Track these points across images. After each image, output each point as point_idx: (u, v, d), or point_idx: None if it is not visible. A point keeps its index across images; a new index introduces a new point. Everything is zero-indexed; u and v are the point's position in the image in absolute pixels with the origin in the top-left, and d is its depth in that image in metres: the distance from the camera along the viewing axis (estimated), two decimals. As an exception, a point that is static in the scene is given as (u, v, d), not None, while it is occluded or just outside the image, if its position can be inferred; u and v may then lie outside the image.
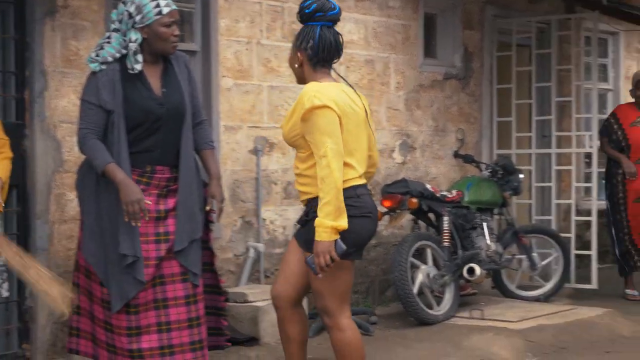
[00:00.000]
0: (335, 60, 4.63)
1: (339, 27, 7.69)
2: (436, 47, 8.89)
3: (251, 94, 7.10)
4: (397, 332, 7.00)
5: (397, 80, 8.26)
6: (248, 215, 7.09)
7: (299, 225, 4.74)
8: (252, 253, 7.01)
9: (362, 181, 4.57)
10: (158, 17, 4.74)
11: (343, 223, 4.33)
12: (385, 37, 8.15)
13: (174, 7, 4.82)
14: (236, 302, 6.47)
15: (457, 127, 8.86)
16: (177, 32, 4.82)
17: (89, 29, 5.99)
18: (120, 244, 4.69)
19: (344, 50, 7.66)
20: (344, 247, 4.35)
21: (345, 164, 4.44)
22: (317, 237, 4.32)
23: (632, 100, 9.00)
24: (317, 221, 4.33)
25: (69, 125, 5.82)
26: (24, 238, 5.71)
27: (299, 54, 4.57)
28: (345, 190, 4.41)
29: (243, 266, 7.00)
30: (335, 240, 4.34)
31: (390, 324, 7.31)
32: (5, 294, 4.93)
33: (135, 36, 4.74)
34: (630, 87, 11.49)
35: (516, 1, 9.50)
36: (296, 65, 4.60)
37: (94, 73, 4.77)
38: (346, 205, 4.39)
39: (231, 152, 6.96)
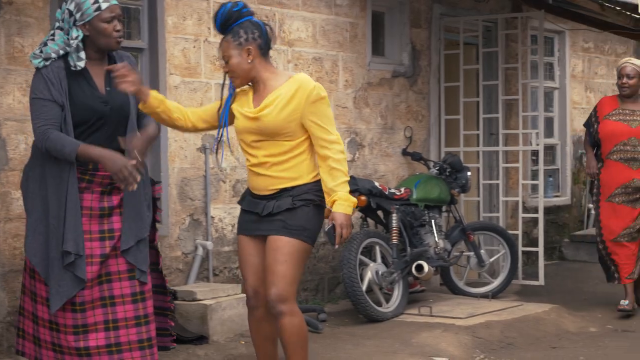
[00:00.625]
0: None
1: (286, 25, 7.73)
2: (384, 45, 8.92)
3: (199, 92, 7.07)
4: (346, 330, 7.02)
5: (346, 78, 8.28)
6: (196, 214, 7.05)
7: (253, 219, 4.72)
8: (200, 251, 6.98)
9: None
10: (97, 12, 4.70)
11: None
12: (333, 35, 8.16)
13: (113, 2, 4.77)
14: (185, 300, 6.43)
15: (406, 125, 8.90)
16: (118, 27, 4.77)
17: (33, 26, 5.92)
18: (64, 242, 4.64)
19: (292, 48, 7.75)
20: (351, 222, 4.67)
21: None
22: (344, 210, 4.53)
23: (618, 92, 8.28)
24: (343, 195, 4.54)
25: (14, 123, 5.74)
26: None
27: (249, 48, 4.58)
28: (315, 181, 4.65)
29: (191, 264, 6.96)
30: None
31: (339, 321, 7.32)
32: None
33: (76, 33, 4.70)
34: (575, 85, 11.68)
35: (463, 0, 9.56)
36: (249, 62, 4.58)
37: (38, 70, 4.72)
38: (320, 196, 4.62)
39: (179, 150, 6.92)
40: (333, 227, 4.55)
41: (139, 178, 4.66)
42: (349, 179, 4.61)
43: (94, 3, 4.70)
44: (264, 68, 4.62)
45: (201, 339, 6.27)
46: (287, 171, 4.60)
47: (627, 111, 8.03)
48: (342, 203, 4.54)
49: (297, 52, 7.80)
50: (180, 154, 6.91)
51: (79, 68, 4.71)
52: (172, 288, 6.52)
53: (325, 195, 4.62)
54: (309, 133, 4.62)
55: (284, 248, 4.57)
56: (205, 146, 7.05)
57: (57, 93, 4.68)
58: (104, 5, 4.71)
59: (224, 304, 6.41)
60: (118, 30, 4.77)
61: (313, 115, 4.55)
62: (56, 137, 4.65)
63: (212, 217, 7.15)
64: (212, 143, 7.11)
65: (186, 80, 6.97)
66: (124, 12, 6.71)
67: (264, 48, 4.62)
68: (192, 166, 7.02)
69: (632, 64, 8.09)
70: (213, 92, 7.14)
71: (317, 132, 4.57)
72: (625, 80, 8.08)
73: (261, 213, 4.66)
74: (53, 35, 4.76)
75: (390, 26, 8.92)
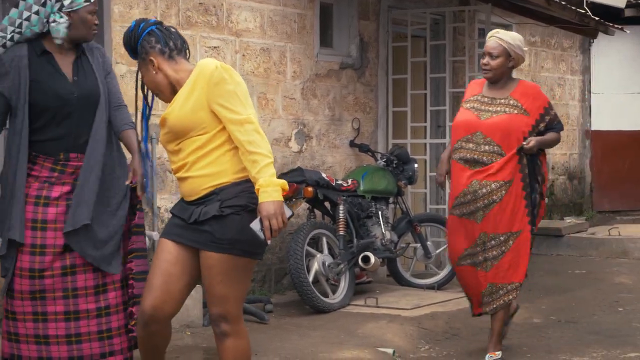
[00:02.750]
0: (186, 48, 4.35)
1: (234, 15, 7.70)
2: (332, 37, 8.93)
3: (146, 81, 7.01)
4: (292, 320, 7.02)
5: (294, 69, 8.27)
6: (142, 204, 6.99)
7: (176, 227, 4.26)
8: (147, 242, 6.91)
9: None
10: (86, 4, 4.76)
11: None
12: (282, 25, 8.15)
13: None
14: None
15: (353, 116, 8.92)
16: (97, 21, 4.87)
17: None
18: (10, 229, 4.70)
19: (240, 39, 7.72)
20: (291, 211, 4.11)
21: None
22: (269, 198, 3.95)
23: None
24: (265, 182, 3.97)
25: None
26: None
27: (151, 59, 4.24)
28: (248, 181, 4.13)
29: (137, 255, 6.91)
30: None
31: (286, 312, 7.32)
32: None
33: (64, 20, 4.72)
34: (522, 78, 11.77)
35: (411, -8, 9.61)
36: (154, 72, 4.25)
37: None
38: (256, 199, 4.06)
39: (125, 139, 6.86)
40: (260, 220, 3.98)
41: None
42: (271, 160, 4.04)
43: None
44: (172, 70, 4.25)
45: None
46: (208, 167, 4.13)
47: (485, 99, 6.02)
48: (265, 191, 3.97)
49: (245, 42, 7.77)
50: (126, 144, 6.86)
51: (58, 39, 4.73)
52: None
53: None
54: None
55: (218, 267, 4.09)
56: (152, 136, 7.01)
57: (10, 83, 4.68)
58: None
59: (169, 295, 6.36)
60: (96, 24, 4.84)
61: (219, 98, 4.09)
62: None
63: (159, 208, 7.11)
64: (158, 133, 7.06)
65: (132, 69, 6.91)
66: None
67: (167, 50, 4.25)
68: (138, 156, 6.96)
69: (499, 38, 6.01)
70: (160, 81, 7.09)
71: (224, 115, 4.08)
72: (487, 59, 5.99)
73: (188, 220, 4.17)
74: (28, 19, 4.73)
75: (339, 18, 8.93)
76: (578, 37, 12.54)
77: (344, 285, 7.55)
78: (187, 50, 4.36)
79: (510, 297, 5.99)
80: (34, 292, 4.69)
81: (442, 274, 8.64)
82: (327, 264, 7.42)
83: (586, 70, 13.13)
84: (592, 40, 12.70)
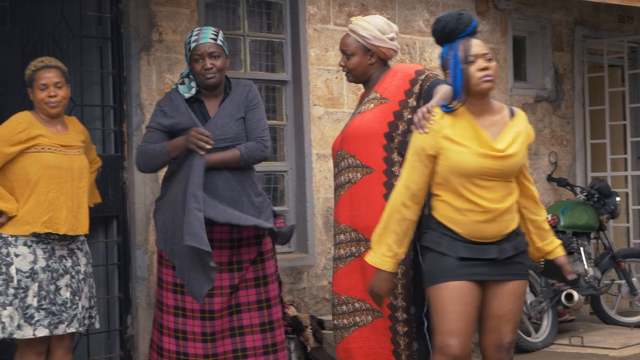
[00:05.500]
0: None
1: (427, 53, 7.70)
2: (526, 70, 8.80)
3: (342, 122, 7.10)
4: (495, 360, 6.89)
5: (488, 105, 8.18)
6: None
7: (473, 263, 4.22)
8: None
9: None
10: (189, 53, 4.88)
11: None
12: (475, 61, 8.09)
13: (203, 40, 4.86)
14: (332, 330, 6.43)
15: (550, 150, 8.74)
16: (208, 66, 4.84)
17: (183, 62, 6.06)
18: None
19: (434, 76, 7.70)
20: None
21: None
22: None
23: None
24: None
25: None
26: (124, 268, 5.81)
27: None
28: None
29: (338, 294, 6.97)
30: None
31: (487, 352, 7.20)
32: (97, 325, 4.94)
33: (187, 70, 4.97)
34: None
35: (606, 21, 9.36)
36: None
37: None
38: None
39: (324, 179, 6.96)
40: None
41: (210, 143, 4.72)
42: None
43: (189, 43, 4.92)
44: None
45: (350, 369, 6.25)
46: (513, 213, 4.30)
47: (361, 103, 4.82)
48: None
49: (439, 79, 7.75)
50: (324, 184, 6.95)
51: (185, 96, 4.88)
52: (318, 317, 6.56)
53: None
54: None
55: (523, 294, 4.30)
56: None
57: (171, 117, 4.85)
58: (192, 46, 4.86)
59: (372, 334, 6.37)
60: (208, 69, 4.84)
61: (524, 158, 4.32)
62: (146, 147, 4.86)
63: (358, 247, 7.14)
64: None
65: (329, 110, 7.02)
66: (268, 45, 6.86)
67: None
68: (336, 196, 7.04)
69: (352, 31, 4.72)
70: (356, 122, 7.16)
71: (523, 170, 4.33)
72: (342, 60, 4.79)
73: (496, 257, 4.16)
74: (182, 82, 5.05)
75: (532, 50, 8.80)
76: None
77: (546, 323, 7.37)
78: None
79: None
80: (205, 335, 4.76)
81: (650, 311, 8.32)
82: (529, 302, 7.26)
83: None
84: None
